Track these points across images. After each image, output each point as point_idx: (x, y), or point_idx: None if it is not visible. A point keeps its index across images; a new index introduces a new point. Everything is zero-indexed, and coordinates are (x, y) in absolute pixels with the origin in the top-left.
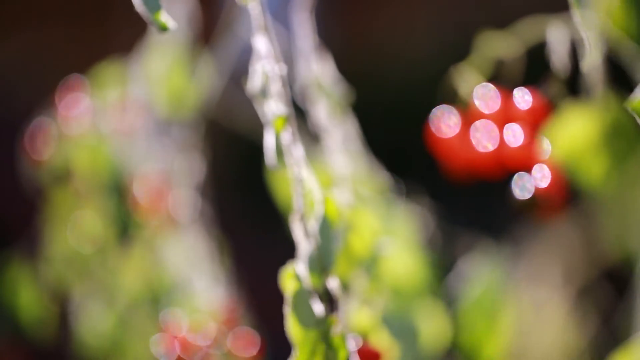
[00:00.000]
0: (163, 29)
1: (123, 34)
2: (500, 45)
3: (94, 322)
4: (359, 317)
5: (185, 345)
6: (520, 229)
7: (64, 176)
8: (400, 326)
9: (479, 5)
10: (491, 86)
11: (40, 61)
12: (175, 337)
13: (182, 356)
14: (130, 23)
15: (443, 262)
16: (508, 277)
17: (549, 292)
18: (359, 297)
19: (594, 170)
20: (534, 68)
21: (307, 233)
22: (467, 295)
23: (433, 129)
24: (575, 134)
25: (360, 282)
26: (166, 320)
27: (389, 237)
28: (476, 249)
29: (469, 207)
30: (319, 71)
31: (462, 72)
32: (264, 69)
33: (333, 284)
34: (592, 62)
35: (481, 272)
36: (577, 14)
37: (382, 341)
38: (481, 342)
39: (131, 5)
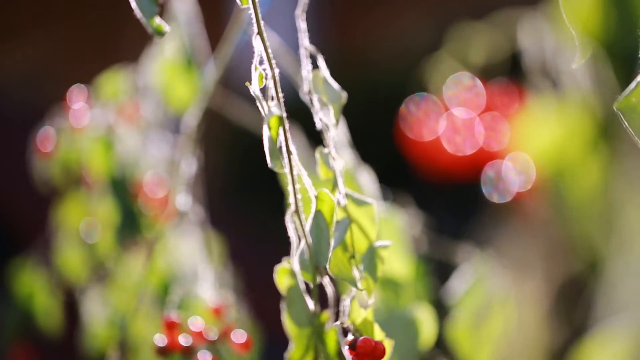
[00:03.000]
0: (159, 32)
1: (135, 43)
2: (475, 37)
3: (103, 315)
4: (357, 312)
5: (180, 333)
6: (498, 230)
7: (74, 174)
8: (395, 320)
9: (472, 5)
10: (466, 78)
11: (55, 68)
12: (173, 327)
13: (177, 344)
14: (142, 33)
15: (429, 266)
16: (495, 278)
17: (527, 290)
18: (357, 293)
19: (571, 169)
20: (513, 61)
21: (301, 230)
22: (457, 295)
23: (405, 129)
24: (550, 133)
25: (357, 278)
26: (167, 312)
27: (382, 235)
28: (461, 253)
29: (447, 207)
30: (313, 73)
31: (437, 64)
32: (262, 70)
33: (326, 280)
34: (575, 62)
35: (469, 274)
36: (557, 18)
37: (380, 335)
38: (472, 341)
39: (141, 25)
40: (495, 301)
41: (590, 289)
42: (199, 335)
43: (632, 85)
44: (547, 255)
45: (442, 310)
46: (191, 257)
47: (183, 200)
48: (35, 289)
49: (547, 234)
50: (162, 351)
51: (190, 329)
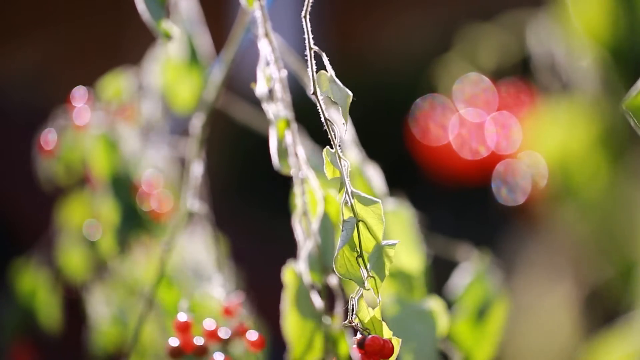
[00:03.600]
0: (166, 36)
1: (137, 44)
2: (484, 39)
3: (108, 314)
4: (365, 311)
5: (191, 333)
6: (514, 233)
7: (76, 173)
8: (411, 312)
9: (475, 6)
10: (476, 79)
11: (57, 69)
12: (185, 327)
13: (190, 344)
14: (144, 34)
15: (429, 265)
16: (497, 281)
17: (548, 293)
18: (366, 291)
19: (583, 172)
20: (522, 62)
21: (309, 231)
22: (457, 292)
23: (415, 131)
24: (560, 135)
25: (366, 276)
26: (178, 312)
27: (392, 229)
28: (461, 252)
29: (454, 209)
30: (319, 73)
31: (446, 65)
32: (268, 72)
33: (333, 280)
34: (583, 63)
35: (469, 272)
36: (561, 24)
37: (388, 334)
38: (472, 336)
39: (144, 28)
40: (495, 298)
41: (620, 294)
42: (211, 335)
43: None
44: (570, 259)
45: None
46: (197, 256)
47: (190, 200)
48: (37, 287)
49: (564, 237)
50: (175, 352)
51: (203, 328)
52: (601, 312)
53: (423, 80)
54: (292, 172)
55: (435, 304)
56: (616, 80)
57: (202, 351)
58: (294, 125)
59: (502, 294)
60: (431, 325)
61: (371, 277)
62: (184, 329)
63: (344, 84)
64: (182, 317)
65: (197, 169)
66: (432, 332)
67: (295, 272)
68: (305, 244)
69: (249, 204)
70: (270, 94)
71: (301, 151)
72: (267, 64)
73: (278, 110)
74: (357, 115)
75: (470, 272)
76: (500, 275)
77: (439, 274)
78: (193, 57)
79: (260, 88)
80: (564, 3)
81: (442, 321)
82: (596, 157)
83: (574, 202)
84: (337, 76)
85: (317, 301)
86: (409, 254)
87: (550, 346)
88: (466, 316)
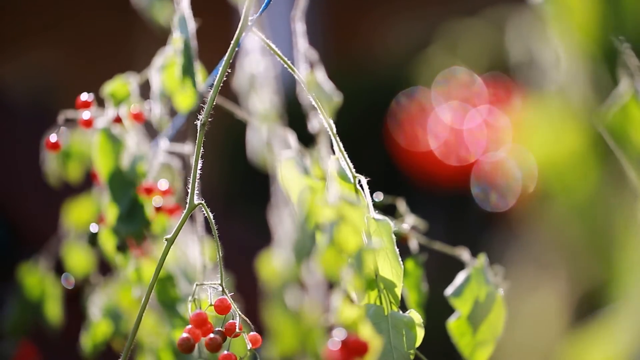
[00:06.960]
0: (158, 21)
1: (142, 47)
2: (466, 35)
3: (106, 311)
4: (346, 311)
5: (195, 328)
6: (499, 237)
7: (80, 172)
8: (389, 321)
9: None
10: (458, 75)
11: (64, 71)
12: (200, 320)
13: (197, 338)
14: (148, 36)
15: (422, 269)
16: (495, 283)
17: (534, 294)
18: (346, 290)
19: (572, 172)
20: (505, 59)
21: (289, 225)
22: (456, 294)
23: (395, 133)
24: (550, 134)
25: (347, 276)
26: (186, 308)
27: (373, 234)
28: (459, 254)
29: (441, 211)
30: (308, 75)
31: (428, 61)
32: (252, 66)
33: (314, 275)
34: (567, 60)
35: (466, 274)
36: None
37: (367, 334)
38: (472, 337)
39: (149, 31)
40: (493, 299)
41: (608, 300)
42: (210, 330)
43: (618, 98)
44: (557, 261)
45: (442, 310)
46: (193, 254)
47: (192, 198)
48: (43, 285)
49: (550, 239)
50: (187, 346)
51: (208, 325)
52: (589, 314)
53: (406, 81)
54: (272, 167)
55: (412, 315)
56: (603, 79)
57: (217, 346)
58: (281, 122)
59: (500, 295)
60: (404, 335)
61: (353, 277)
62: (201, 323)
63: (338, 85)
64: (194, 312)
65: (198, 167)
66: (405, 342)
67: (274, 265)
68: (285, 237)
69: (252, 203)
70: (252, 85)
71: (283, 147)
72: (253, 56)
73: (262, 102)
74: (350, 117)
75: (467, 274)
76: (498, 276)
77: (432, 277)
78: (193, 56)
79: (239, 79)
80: None
81: (418, 333)
82: (586, 157)
83: (562, 203)
84: (332, 78)
85: (296, 295)
86: (388, 265)
87: (535, 347)
88: (464, 317)
